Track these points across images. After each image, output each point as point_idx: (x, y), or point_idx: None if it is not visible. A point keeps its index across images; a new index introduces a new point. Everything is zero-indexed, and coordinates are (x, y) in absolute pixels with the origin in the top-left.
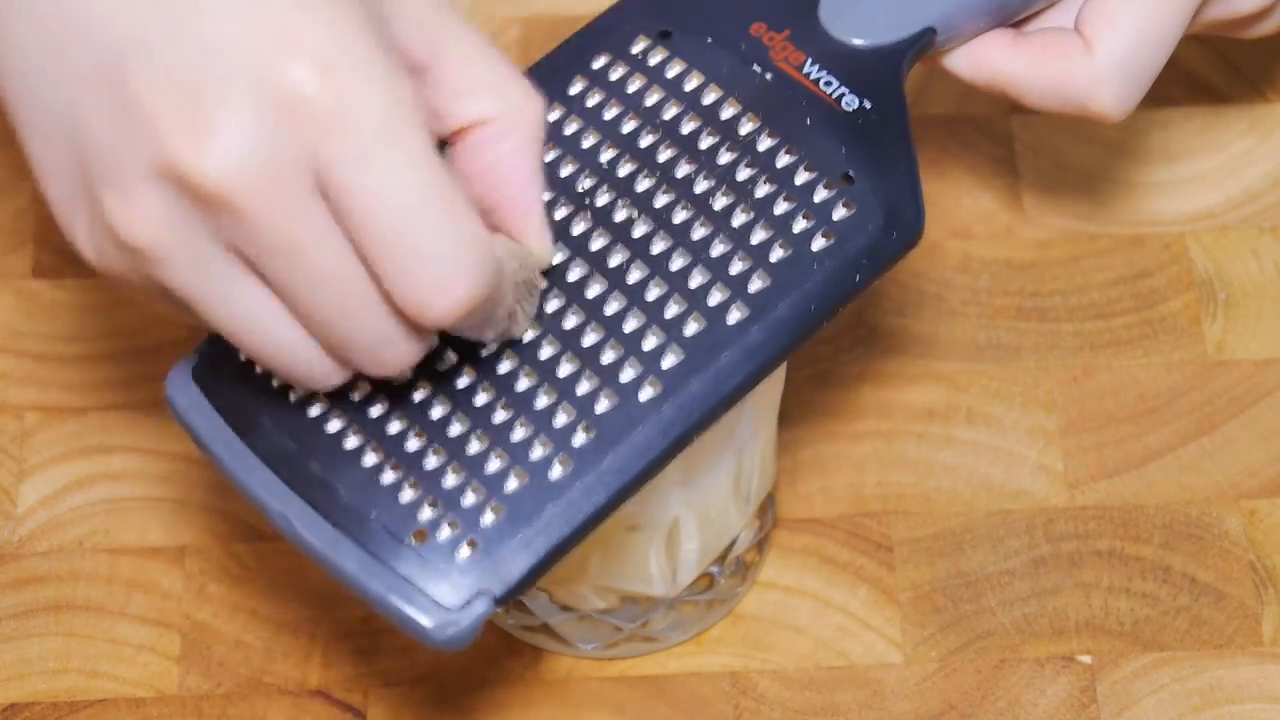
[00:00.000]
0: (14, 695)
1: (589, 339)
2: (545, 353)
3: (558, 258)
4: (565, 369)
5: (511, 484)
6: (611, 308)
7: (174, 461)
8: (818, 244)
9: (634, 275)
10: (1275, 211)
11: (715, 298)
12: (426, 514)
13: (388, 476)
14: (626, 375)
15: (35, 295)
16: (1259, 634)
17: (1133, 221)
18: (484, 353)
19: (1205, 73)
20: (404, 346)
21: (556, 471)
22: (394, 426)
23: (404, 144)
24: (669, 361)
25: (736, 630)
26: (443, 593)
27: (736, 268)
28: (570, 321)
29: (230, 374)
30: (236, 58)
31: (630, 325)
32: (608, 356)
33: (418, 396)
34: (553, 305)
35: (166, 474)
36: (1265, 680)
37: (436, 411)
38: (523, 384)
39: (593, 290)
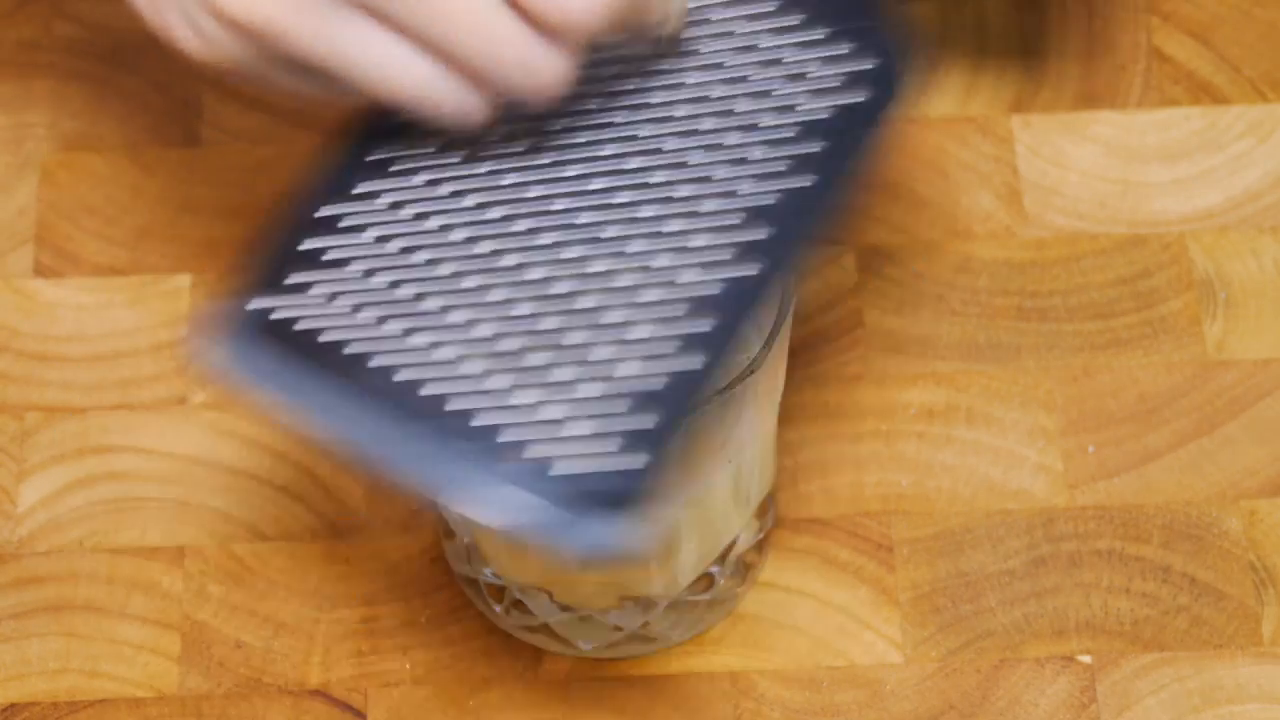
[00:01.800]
0: (14, 695)
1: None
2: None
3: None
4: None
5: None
6: (683, 191)
7: (174, 461)
8: (832, 101)
9: (685, 187)
10: (1275, 211)
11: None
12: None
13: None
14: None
15: (35, 295)
16: (1259, 634)
17: (1133, 221)
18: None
19: (1205, 73)
20: (552, 62)
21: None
22: (505, 343)
23: None
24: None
25: (736, 630)
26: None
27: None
28: (648, 210)
29: (283, 331)
30: None
31: (709, 206)
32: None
33: (523, 310)
34: (625, 196)
35: (166, 474)
36: (1265, 680)
37: (549, 323)
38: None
39: (664, 178)
